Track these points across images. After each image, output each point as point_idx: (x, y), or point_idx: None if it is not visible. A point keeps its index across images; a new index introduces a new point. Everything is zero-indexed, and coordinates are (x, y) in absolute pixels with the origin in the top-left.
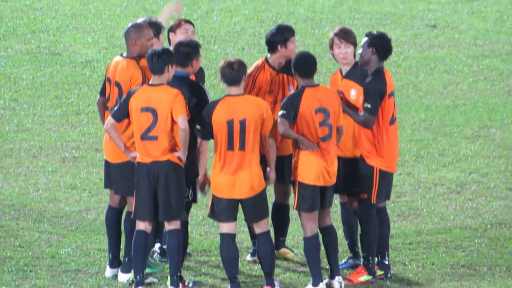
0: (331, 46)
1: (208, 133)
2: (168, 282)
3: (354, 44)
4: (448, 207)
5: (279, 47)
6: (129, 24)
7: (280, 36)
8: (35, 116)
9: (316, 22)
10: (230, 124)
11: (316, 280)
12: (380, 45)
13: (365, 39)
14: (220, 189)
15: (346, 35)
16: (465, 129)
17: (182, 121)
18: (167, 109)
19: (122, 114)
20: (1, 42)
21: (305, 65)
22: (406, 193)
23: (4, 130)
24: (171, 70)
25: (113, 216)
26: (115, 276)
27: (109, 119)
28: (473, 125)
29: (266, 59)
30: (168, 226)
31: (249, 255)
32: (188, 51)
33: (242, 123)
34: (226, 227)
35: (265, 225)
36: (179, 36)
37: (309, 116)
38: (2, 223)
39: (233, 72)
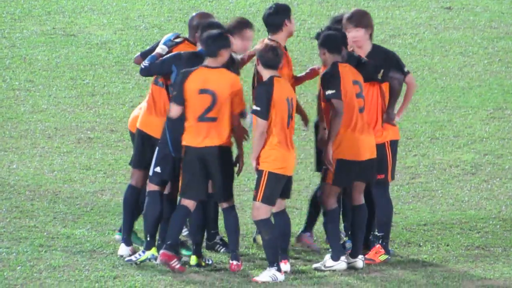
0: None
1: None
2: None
3: (366, 27)
4: (463, 189)
5: (286, 21)
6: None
7: (282, 11)
8: (50, 97)
9: (332, 4)
10: (288, 102)
11: (338, 254)
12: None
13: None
14: (285, 166)
15: (352, 18)
16: (480, 110)
17: (237, 118)
18: (227, 94)
19: (183, 97)
20: (17, 23)
21: (334, 41)
22: (421, 175)
23: (20, 111)
24: (225, 54)
25: (134, 195)
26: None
27: (173, 106)
28: (488, 106)
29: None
30: (224, 205)
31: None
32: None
33: (292, 102)
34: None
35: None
36: (236, 42)
37: (348, 87)
38: (17, 204)
39: (277, 58)
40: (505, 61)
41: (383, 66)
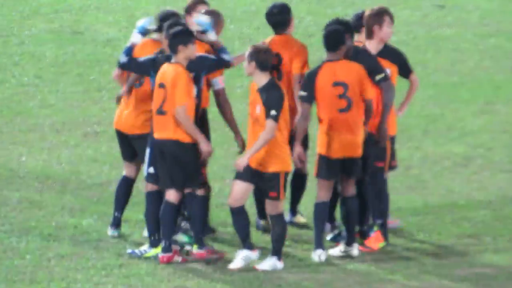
0: (377, 23)
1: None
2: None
3: None
4: (454, 180)
5: (292, 17)
6: (206, 10)
7: (287, 9)
8: (58, 92)
9: (329, 3)
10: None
11: (316, 246)
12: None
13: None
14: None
15: (391, 15)
16: (471, 105)
17: (177, 111)
18: (171, 88)
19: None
20: (26, 21)
21: (330, 39)
22: (414, 166)
23: (28, 106)
24: (185, 50)
25: (130, 186)
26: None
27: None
28: (479, 101)
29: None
30: (198, 191)
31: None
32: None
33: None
34: None
35: None
36: (190, 20)
37: (325, 89)
38: (27, 195)
39: (272, 59)
40: (496, 57)
41: (394, 64)
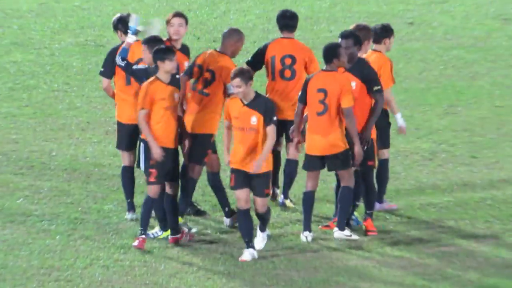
0: (367, 38)
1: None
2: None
3: None
4: (422, 172)
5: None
6: (231, 28)
7: (297, 16)
8: (83, 96)
9: (315, 20)
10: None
11: (304, 228)
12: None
13: (349, 40)
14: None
15: None
16: (436, 107)
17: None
18: None
19: None
20: (56, 36)
21: (325, 53)
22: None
23: (58, 108)
24: (163, 65)
25: (132, 173)
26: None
27: None
28: (443, 104)
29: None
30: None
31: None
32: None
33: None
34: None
35: None
36: (168, 30)
37: (311, 93)
38: (56, 185)
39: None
40: (457, 66)
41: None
